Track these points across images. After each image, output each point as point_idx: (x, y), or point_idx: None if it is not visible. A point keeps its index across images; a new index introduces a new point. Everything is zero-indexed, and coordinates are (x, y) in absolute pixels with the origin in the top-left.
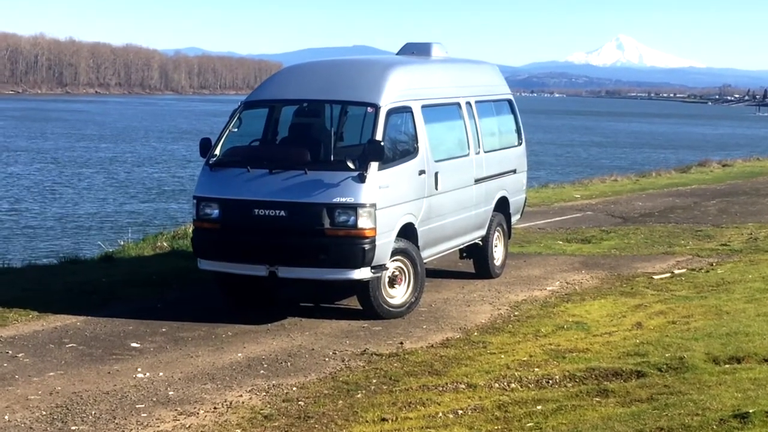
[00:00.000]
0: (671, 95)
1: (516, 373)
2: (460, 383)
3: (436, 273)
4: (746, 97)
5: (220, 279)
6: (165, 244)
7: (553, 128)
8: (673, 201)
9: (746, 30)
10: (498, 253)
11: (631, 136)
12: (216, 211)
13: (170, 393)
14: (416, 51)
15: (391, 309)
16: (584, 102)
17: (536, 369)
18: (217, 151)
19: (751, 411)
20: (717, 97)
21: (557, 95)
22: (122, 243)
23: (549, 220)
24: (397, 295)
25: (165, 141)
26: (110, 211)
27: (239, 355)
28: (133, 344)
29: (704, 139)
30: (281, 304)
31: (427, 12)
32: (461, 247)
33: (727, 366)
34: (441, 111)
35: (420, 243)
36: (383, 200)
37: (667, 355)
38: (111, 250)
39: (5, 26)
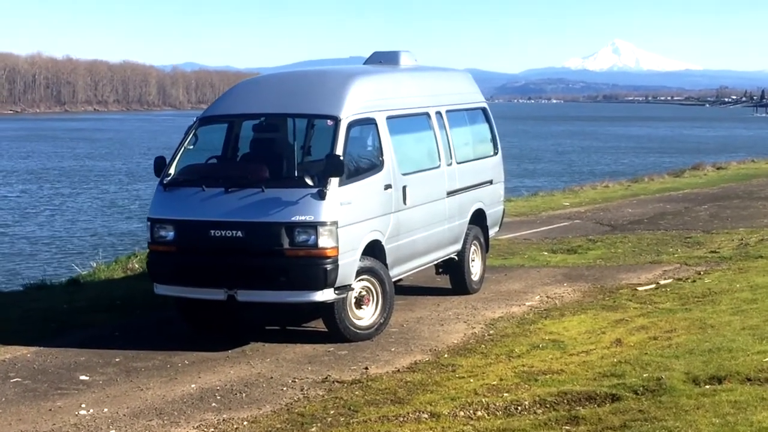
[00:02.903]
0: (669, 98)
1: (483, 400)
2: (423, 412)
3: (411, 290)
4: (743, 98)
5: (180, 304)
6: (137, 265)
7: (550, 135)
8: (663, 207)
9: (741, 31)
10: (475, 267)
11: (632, 140)
12: (171, 233)
13: (111, 431)
14: (384, 60)
15: (358, 331)
16: (582, 107)
17: (505, 394)
18: (172, 170)
19: None
20: (714, 99)
21: (555, 101)
22: (94, 265)
23: (535, 230)
24: (365, 316)
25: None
26: (98, 231)
27: (192, 386)
28: (82, 377)
29: (703, 142)
30: (245, 329)
31: (422, 21)
32: (436, 262)
33: (707, 387)
34: (409, 122)
35: (388, 261)
36: (345, 217)
37: (645, 375)
38: (83, 272)
39: (2, 46)
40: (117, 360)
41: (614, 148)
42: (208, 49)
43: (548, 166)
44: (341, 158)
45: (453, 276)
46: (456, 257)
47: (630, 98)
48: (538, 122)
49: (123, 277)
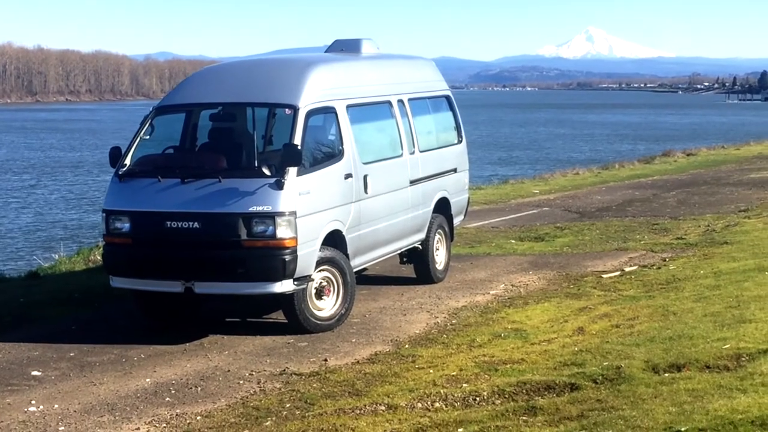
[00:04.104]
0: (642, 85)
1: (442, 391)
2: (380, 404)
3: (376, 280)
4: (716, 85)
5: (137, 297)
6: (99, 257)
7: (525, 122)
8: (632, 194)
9: (714, 19)
10: (440, 256)
11: (606, 127)
12: (126, 225)
13: (60, 428)
14: (345, 48)
15: (319, 322)
16: (556, 95)
17: (464, 385)
18: (127, 161)
19: (682, 429)
20: (687, 85)
21: (529, 89)
22: (57, 257)
23: (504, 218)
24: (326, 307)
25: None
26: (67, 224)
27: (147, 380)
28: (35, 372)
29: (676, 128)
30: (204, 321)
31: (396, 8)
32: (399, 252)
33: (666, 375)
34: (370, 110)
35: (349, 251)
36: (304, 207)
37: (605, 363)
38: (44, 265)
39: None
40: (71, 354)
41: (589, 136)
42: (181, 38)
43: (523, 153)
44: (299, 147)
45: (417, 265)
46: (420, 246)
47: (604, 85)
48: (513, 110)
49: (84, 269)
